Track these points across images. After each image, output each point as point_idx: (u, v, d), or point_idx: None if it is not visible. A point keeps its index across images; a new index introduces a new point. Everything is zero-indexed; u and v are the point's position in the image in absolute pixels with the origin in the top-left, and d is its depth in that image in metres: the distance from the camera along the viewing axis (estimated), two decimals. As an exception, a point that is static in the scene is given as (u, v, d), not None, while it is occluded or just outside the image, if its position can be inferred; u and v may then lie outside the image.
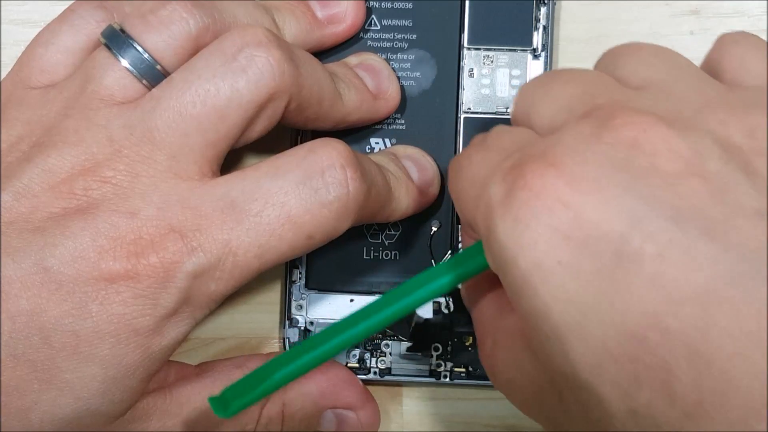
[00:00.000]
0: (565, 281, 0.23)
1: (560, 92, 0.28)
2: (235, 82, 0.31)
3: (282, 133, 0.36)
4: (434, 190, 0.37)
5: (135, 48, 0.31)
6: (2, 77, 0.34)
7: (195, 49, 0.32)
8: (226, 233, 0.30)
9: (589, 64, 0.38)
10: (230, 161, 0.33)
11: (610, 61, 0.29)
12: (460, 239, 0.38)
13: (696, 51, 0.38)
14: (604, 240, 0.23)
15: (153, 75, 0.32)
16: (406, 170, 0.36)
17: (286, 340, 0.38)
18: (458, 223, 0.38)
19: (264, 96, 0.31)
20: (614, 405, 0.23)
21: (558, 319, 0.23)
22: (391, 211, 0.35)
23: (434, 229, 0.38)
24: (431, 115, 0.38)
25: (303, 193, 0.31)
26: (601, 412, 0.23)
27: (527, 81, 0.36)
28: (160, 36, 0.32)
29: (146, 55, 0.31)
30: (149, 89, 0.32)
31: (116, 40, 0.32)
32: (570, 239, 0.23)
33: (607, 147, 0.24)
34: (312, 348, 0.30)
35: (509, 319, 0.29)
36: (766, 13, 0.38)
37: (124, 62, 0.31)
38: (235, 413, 0.30)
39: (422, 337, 0.37)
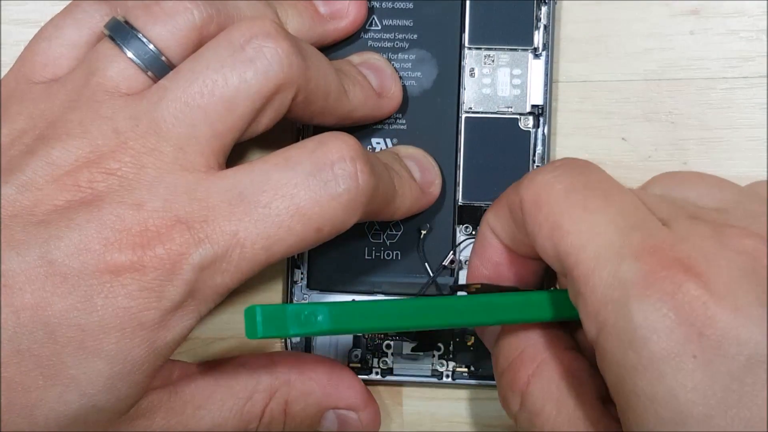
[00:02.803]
0: (697, 374, 0.25)
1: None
2: (244, 72, 0.31)
3: (285, 129, 0.36)
4: (435, 190, 0.37)
5: (139, 39, 0.31)
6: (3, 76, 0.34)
7: (199, 40, 0.32)
8: (234, 224, 0.30)
9: (589, 64, 0.38)
10: (234, 156, 0.32)
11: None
12: (459, 240, 0.38)
13: (696, 51, 0.38)
14: (737, 344, 0.25)
15: (158, 66, 0.32)
16: (409, 169, 0.36)
17: (288, 340, 0.38)
18: (459, 223, 0.38)
19: (272, 87, 0.31)
20: None
21: (682, 407, 0.25)
22: (394, 209, 0.35)
23: (423, 232, 0.37)
24: (432, 115, 0.38)
25: (313, 185, 0.31)
26: None
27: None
28: (164, 27, 0.32)
29: (151, 46, 0.31)
30: (154, 81, 0.32)
31: (120, 31, 0.32)
32: (704, 337, 0.25)
33: (734, 255, 0.26)
34: (368, 313, 0.30)
35: (561, 356, 0.31)
36: (766, 13, 0.38)
37: (129, 53, 0.31)
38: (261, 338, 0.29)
39: (426, 337, 0.37)
